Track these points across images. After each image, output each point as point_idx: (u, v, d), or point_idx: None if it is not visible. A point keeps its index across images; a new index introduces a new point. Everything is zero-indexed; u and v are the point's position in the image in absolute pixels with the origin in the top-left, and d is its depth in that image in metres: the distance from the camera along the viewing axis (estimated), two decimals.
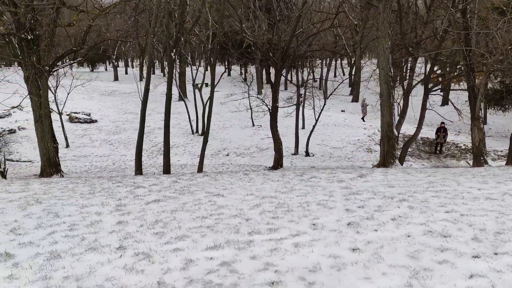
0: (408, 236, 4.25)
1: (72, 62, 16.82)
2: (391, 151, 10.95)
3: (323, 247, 4.06)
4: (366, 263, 3.68)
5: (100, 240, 4.45)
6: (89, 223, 4.97)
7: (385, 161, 11.04)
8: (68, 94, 23.11)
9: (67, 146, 21.30)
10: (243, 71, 44.66)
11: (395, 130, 11.05)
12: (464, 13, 11.72)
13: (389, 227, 4.52)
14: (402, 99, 17.43)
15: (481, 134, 11.19)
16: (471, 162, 24.66)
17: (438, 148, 25.79)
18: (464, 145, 27.55)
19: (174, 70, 26.90)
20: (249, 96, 24.87)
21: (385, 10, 10.39)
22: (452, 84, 27.61)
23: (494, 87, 25.43)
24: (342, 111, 33.73)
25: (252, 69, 40.83)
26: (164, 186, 6.94)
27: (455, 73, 21.60)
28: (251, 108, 24.80)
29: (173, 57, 14.10)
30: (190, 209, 5.43)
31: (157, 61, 48.11)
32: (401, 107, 17.15)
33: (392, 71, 10.98)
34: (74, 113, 26.76)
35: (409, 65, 18.29)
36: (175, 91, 28.96)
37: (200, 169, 13.09)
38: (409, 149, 21.56)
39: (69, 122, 25.51)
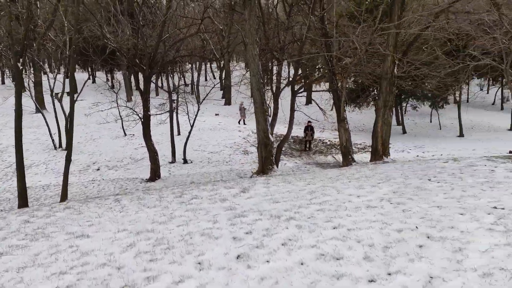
0: (302, 264, 3.95)
1: None
2: (269, 157, 10.95)
3: None
4: None
5: None
6: None
7: (264, 168, 11.01)
8: None
9: None
10: (109, 78, 41.77)
11: (271, 137, 11.08)
12: (322, 20, 12.27)
13: (281, 255, 4.17)
14: (272, 102, 17.87)
15: (347, 134, 11.89)
16: (336, 157, 26.63)
17: (307, 146, 27.29)
18: (329, 141, 29.64)
19: (28, 80, 23.75)
20: (118, 106, 23.11)
21: (251, 18, 10.31)
22: (314, 86, 29.56)
23: (350, 87, 27.84)
24: (216, 114, 33.71)
25: (119, 75, 38.38)
26: (11, 231, 5.64)
27: (317, 75, 23.06)
28: (121, 118, 23.09)
29: (20, 66, 12.12)
30: (44, 263, 4.39)
31: (6, 69, 42.29)
32: (272, 110, 17.57)
33: (262, 76, 10.96)
34: None
35: (275, 69, 18.86)
36: (30, 103, 25.59)
37: (63, 196, 11.46)
38: (282, 149, 22.35)
39: None
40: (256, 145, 27.65)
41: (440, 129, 33.24)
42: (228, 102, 37.49)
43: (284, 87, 18.49)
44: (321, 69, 23.58)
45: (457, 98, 31.45)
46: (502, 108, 40.58)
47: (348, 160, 12.02)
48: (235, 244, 4.51)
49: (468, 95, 40.36)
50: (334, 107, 37.46)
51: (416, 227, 4.57)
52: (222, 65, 38.68)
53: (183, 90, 22.47)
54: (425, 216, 4.87)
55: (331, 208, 5.45)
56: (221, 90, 39.45)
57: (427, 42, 17.06)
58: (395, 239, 4.31)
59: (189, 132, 21.27)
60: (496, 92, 41.62)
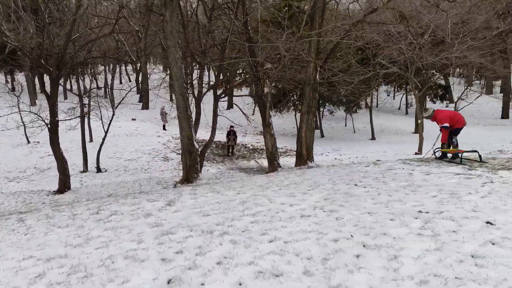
0: (240, 285, 3.66)
1: None
2: (194, 165, 10.54)
3: None
4: None
5: None
6: None
7: (188, 176, 10.56)
8: None
9: None
10: (9, 80, 38.00)
11: (195, 143, 10.67)
12: (246, 25, 12.17)
13: (217, 275, 3.85)
14: (194, 107, 17.45)
15: (273, 140, 11.89)
16: (259, 161, 26.81)
17: (230, 151, 27.15)
18: (251, 145, 29.80)
19: None
20: (19, 110, 21.00)
21: (172, 19, 9.86)
22: (236, 90, 29.58)
23: (271, 92, 28.35)
24: (133, 119, 32.28)
25: (21, 77, 35.06)
26: None
27: (239, 80, 23.06)
28: (23, 124, 20.99)
29: None
30: None
31: None
32: (194, 115, 17.16)
33: (185, 81, 10.53)
34: None
35: (196, 73, 18.47)
36: None
37: None
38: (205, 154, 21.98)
39: None
40: (177, 151, 26.91)
41: (354, 132, 35.10)
42: (145, 107, 36.12)
43: (206, 92, 18.15)
44: (243, 74, 23.64)
45: (369, 104, 33.40)
46: (406, 113, 44.03)
47: (274, 165, 12.02)
48: (165, 267, 4.09)
49: (377, 100, 43.15)
50: (258, 112, 37.83)
51: (351, 235, 4.52)
52: (138, 68, 37.15)
53: (96, 94, 21.10)
54: (358, 223, 4.86)
55: (265, 219, 5.24)
56: (137, 93, 37.86)
57: (341, 50, 17.80)
58: (333, 249, 4.20)
59: (103, 139, 20.04)
60: (401, 98, 45.07)
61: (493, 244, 3.96)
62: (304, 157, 11.83)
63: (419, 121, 26.66)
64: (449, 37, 16.45)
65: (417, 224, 4.67)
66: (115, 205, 7.05)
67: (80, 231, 5.54)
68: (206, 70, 29.59)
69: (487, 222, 4.55)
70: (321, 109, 32.36)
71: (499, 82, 55.17)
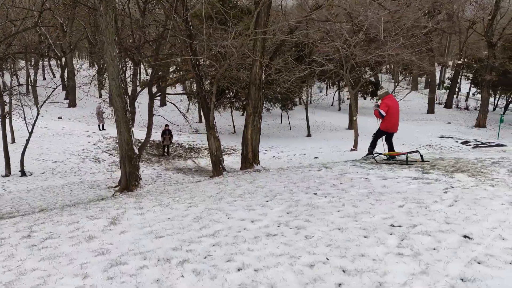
0: None
1: None
2: (134, 172, 9.69)
3: None
4: None
5: None
6: None
7: (128, 184, 9.69)
8: None
9: None
10: None
11: (135, 148, 9.81)
12: (187, 21, 11.46)
13: None
14: (129, 106, 16.45)
15: (217, 142, 11.31)
16: (196, 161, 26.06)
17: (166, 150, 26.19)
18: (187, 144, 28.93)
19: None
20: None
21: (108, 13, 8.91)
22: (170, 88, 28.50)
23: (210, 90, 27.69)
24: (59, 118, 29.99)
25: None
26: None
27: (174, 78, 22.17)
28: None
29: None
30: None
31: None
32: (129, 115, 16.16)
33: (123, 81, 9.63)
34: None
35: (130, 70, 17.38)
36: None
37: None
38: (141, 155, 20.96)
39: None
40: (109, 151, 25.34)
41: (290, 129, 35.44)
42: (73, 104, 33.77)
43: (141, 90, 17.16)
44: (177, 71, 22.72)
45: (304, 100, 33.80)
46: (339, 109, 45.38)
47: (219, 169, 11.46)
48: None
49: (311, 97, 43.96)
50: (192, 110, 36.79)
51: (327, 258, 4.13)
52: (64, 63, 34.56)
53: (18, 91, 19.17)
54: (331, 242, 4.49)
55: (228, 241, 4.70)
56: (63, 90, 35.27)
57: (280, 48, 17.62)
58: (311, 278, 3.78)
59: (27, 139, 18.38)
60: (334, 94, 46.34)
61: (478, 263, 3.77)
62: (250, 160, 11.41)
63: (354, 118, 27.44)
64: (382, 35, 16.91)
65: (394, 241, 4.41)
66: (49, 224, 6.12)
67: (10, 262, 4.63)
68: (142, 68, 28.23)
69: (465, 236, 4.40)
70: None
71: (423, 79, 58.88)
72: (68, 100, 33.86)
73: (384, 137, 9.80)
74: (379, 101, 9.76)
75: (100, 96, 34.66)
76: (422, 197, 5.87)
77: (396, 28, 21.38)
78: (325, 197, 6.32)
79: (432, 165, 8.70)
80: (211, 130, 11.27)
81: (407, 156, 9.39)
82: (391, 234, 4.61)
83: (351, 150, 26.99)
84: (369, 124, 34.64)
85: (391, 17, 18.08)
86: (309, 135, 33.09)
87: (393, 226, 4.85)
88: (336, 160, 22.29)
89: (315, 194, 6.56)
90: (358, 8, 18.21)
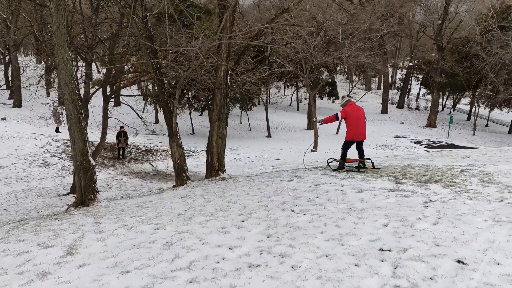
0: None
1: None
2: (91, 185, 8.89)
3: None
4: None
5: None
6: None
7: (84, 198, 8.89)
8: None
9: None
10: None
11: (91, 159, 9.00)
12: (146, 22, 10.77)
13: None
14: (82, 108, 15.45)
15: (181, 150, 10.69)
16: (154, 164, 25.13)
17: (121, 153, 25.15)
18: (144, 146, 27.89)
19: None
20: None
21: (59, 12, 8.07)
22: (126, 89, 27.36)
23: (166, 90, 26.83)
24: (2, 119, 28.00)
25: None
26: None
27: (130, 78, 21.29)
28: None
29: None
30: None
31: None
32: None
33: (78, 87, 8.81)
34: None
35: (81, 70, 16.34)
36: None
37: None
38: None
39: None
40: (58, 155, 23.91)
41: (250, 130, 35.13)
42: (18, 104, 31.70)
43: (95, 92, 16.21)
44: (133, 71, 21.76)
45: (264, 101, 33.59)
46: (298, 109, 45.64)
47: (182, 178, 10.85)
48: None
49: (268, 97, 43.92)
50: (148, 111, 35.64)
51: None
52: (7, 61, 32.32)
53: None
54: (321, 273, 4.10)
55: (206, 276, 4.18)
56: (7, 89, 33.02)
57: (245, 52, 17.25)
58: None
59: None
60: (292, 94, 46.53)
61: None
62: (215, 168, 10.89)
63: (314, 120, 27.52)
64: (340, 37, 16.98)
65: (387, 269, 4.09)
66: None
67: None
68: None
69: (458, 261, 4.16)
70: None
71: (375, 79, 60.50)
72: (12, 100, 31.67)
73: (355, 145, 9.72)
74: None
75: (48, 95, 32.77)
76: (404, 213, 5.64)
77: (353, 31, 21.67)
78: (304, 214, 5.95)
79: (403, 173, 8.59)
80: (174, 137, 10.63)
81: (359, 164, 9.56)
82: (382, 261, 4.29)
83: (311, 151, 27.07)
84: (327, 124, 35.01)
85: (347, 20, 18.20)
86: (269, 135, 32.92)
87: (383, 250, 4.55)
88: (298, 161, 22.23)
89: (293, 211, 6.18)
90: (317, 10, 18.14)
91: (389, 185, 7.43)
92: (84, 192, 8.88)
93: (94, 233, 6.04)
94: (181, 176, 10.74)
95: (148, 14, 10.44)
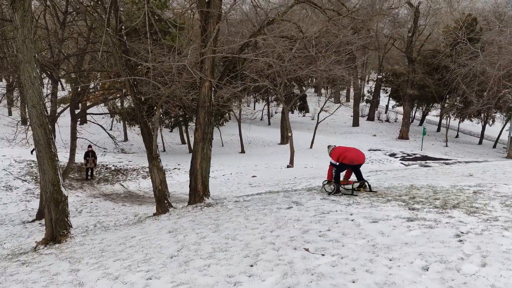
0: None
1: None
2: (63, 218, 7.78)
3: None
4: None
5: None
6: None
7: (55, 234, 7.75)
8: None
9: None
10: None
11: (63, 190, 7.90)
12: (121, 35, 9.87)
13: None
14: None
15: (162, 175, 9.70)
16: (125, 184, 23.78)
17: (89, 173, 23.84)
18: (113, 166, 26.47)
19: None
20: None
21: (25, 25, 7.07)
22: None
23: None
24: None
25: None
26: None
27: (99, 97, 20.24)
28: None
29: None
30: None
31: None
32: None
33: (46, 108, 7.74)
34: None
35: (47, 88, 15.19)
36: None
37: None
38: None
39: None
40: (22, 177, 22.27)
41: (223, 146, 34.21)
42: None
43: (63, 111, 15.04)
44: (100, 89, 20.64)
45: (237, 116, 32.86)
46: (269, 123, 45.06)
47: (164, 205, 9.85)
48: None
49: (240, 112, 43.24)
50: (116, 128, 34.14)
51: None
52: None
53: None
54: None
55: None
56: None
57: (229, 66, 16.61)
58: None
59: None
60: (263, 108, 45.98)
61: None
62: (200, 193, 9.96)
63: (290, 134, 26.94)
64: (314, 51, 16.59)
65: None
66: None
67: None
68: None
69: None
70: (189, 123, 30.64)
71: (343, 92, 61.01)
72: None
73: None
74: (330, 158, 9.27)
75: (10, 114, 30.86)
76: (440, 251, 4.92)
77: (327, 44, 21.42)
78: (322, 255, 5.13)
79: (411, 197, 7.97)
80: (154, 161, 9.64)
81: (352, 186, 9.19)
82: None
83: (288, 166, 26.44)
84: (300, 138, 34.53)
85: (320, 34, 17.84)
86: (242, 151, 32.08)
87: None
88: (276, 178, 21.47)
89: (307, 250, 5.35)
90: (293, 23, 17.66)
91: (403, 212, 6.75)
92: (55, 227, 7.75)
93: (71, 285, 5.00)
94: (162, 203, 9.74)
95: (123, 27, 9.50)
